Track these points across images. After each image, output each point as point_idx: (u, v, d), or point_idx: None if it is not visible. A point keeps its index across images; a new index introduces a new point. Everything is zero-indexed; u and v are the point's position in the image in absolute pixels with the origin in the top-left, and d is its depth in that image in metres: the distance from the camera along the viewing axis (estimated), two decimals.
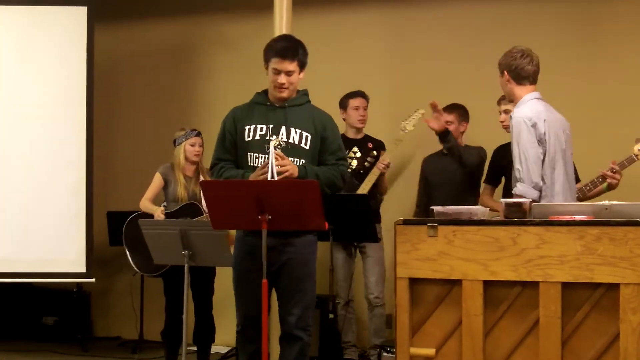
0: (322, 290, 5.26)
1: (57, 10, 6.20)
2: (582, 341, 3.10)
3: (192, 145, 5.35)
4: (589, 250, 3.08)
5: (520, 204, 3.34)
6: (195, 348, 5.43)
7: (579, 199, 4.32)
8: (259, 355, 3.71)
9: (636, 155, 4.37)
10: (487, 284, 3.23)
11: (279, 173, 3.74)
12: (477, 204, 5.00)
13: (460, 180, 5.14)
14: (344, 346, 5.47)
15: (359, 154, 5.56)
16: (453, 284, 3.28)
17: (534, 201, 3.64)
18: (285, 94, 3.95)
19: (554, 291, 3.12)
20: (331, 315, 5.02)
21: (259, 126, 3.96)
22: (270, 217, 3.53)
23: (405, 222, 3.40)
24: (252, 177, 3.83)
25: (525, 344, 3.19)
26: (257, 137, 3.94)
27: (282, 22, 5.15)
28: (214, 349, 5.60)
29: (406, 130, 5.37)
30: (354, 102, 5.57)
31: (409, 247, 3.33)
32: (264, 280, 3.58)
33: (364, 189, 5.35)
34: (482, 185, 5.10)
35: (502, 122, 4.75)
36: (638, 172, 4.64)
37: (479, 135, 5.36)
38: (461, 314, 3.26)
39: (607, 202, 3.23)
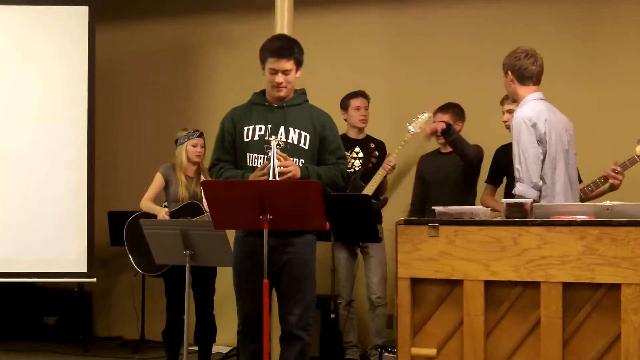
0: (323, 291, 5.27)
1: (58, 10, 6.20)
2: (584, 341, 3.11)
3: (194, 146, 5.36)
4: (590, 251, 3.08)
5: (521, 204, 3.35)
6: (196, 348, 5.44)
7: (581, 200, 4.32)
8: (260, 354, 3.72)
9: (638, 156, 4.37)
10: (488, 284, 3.23)
11: (281, 174, 3.74)
12: (473, 203, 5.01)
13: (456, 179, 5.13)
14: (345, 346, 5.47)
15: (361, 154, 5.57)
16: (454, 284, 3.29)
17: (534, 201, 3.65)
18: (283, 93, 3.96)
19: (555, 291, 3.12)
20: (332, 316, 5.02)
21: (257, 126, 3.96)
22: (271, 217, 3.54)
23: (407, 222, 3.40)
24: (252, 177, 3.83)
25: (527, 344, 3.19)
26: (256, 138, 3.95)
27: (283, 22, 5.15)
28: (215, 348, 5.61)
29: (412, 133, 5.34)
30: (355, 102, 5.58)
31: (410, 247, 3.34)
32: (265, 280, 3.59)
33: (369, 189, 5.36)
34: (484, 185, 5.09)
35: (505, 121, 4.75)
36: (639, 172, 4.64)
37: (479, 135, 5.36)
38: (462, 314, 3.27)
39: (608, 203, 3.23)
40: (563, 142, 3.92)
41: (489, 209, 3.56)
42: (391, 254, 5.28)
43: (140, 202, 5.38)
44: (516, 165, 3.82)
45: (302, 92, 4.08)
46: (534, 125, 3.81)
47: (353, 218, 4.83)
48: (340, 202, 4.65)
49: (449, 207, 3.42)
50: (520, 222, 3.23)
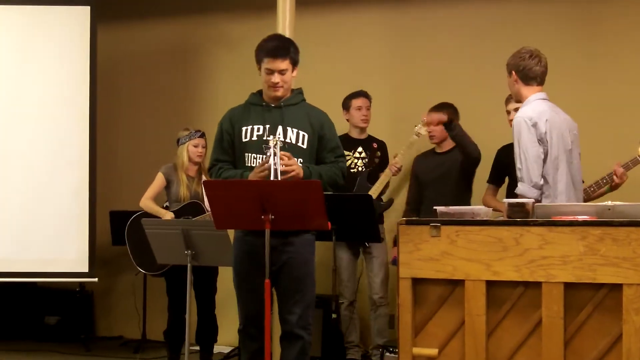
0: (325, 290, 5.28)
1: (59, 10, 6.20)
2: (585, 341, 3.12)
3: (195, 147, 5.37)
4: (591, 251, 3.09)
5: (523, 204, 3.35)
6: (197, 348, 5.44)
7: (584, 200, 4.33)
8: (261, 353, 3.72)
9: None
10: (489, 284, 3.24)
11: (284, 172, 3.76)
12: (469, 203, 5.00)
13: (452, 179, 5.12)
14: (347, 346, 5.48)
15: (363, 154, 5.57)
16: (456, 284, 3.29)
17: (536, 201, 3.66)
18: (279, 93, 3.97)
19: (556, 291, 3.13)
20: (334, 315, 5.02)
21: (255, 127, 3.97)
22: (273, 217, 3.54)
23: (408, 222, 3.41)
24: (252, 175, 3.84)
25: (528, 344, 3.20)
26: (255, 138, 3.96)
27: (284, 22, 5.15)
28: (217, 348, 5.61)
29: (420, 135, 5.31)
30: (356, 102, 5.60)
31: (411, 247, 3.34)
32: (267, 280, 3.60)
33: (376, 190, 5.36)
34: (481, 185, 5.09)
35: (511, 120, 4.74)
36: None
37: (479, 135, 5.35)
38: (464, 314, 3.27)
39: (610, 203, 3.24)
40: (566, 142, 3.92)
41: (491, 209, 3.56)
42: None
43: (140, 201, 5.38)
44: (517, 164, 3.84)
45: (298, 92, 4.09)
46: (534, 125, 3.81)
47: (355, 218, 4.83)
48: (341, 202, 4.65)
49: (451, 207, 3.43)
50: (521, 222, 3.23)
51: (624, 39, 5.60)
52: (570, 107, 4.20)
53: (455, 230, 3.29)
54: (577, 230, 3.12)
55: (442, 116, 4.92)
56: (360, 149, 5.58)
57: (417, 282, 3.35)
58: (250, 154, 3.96)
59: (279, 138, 3.89)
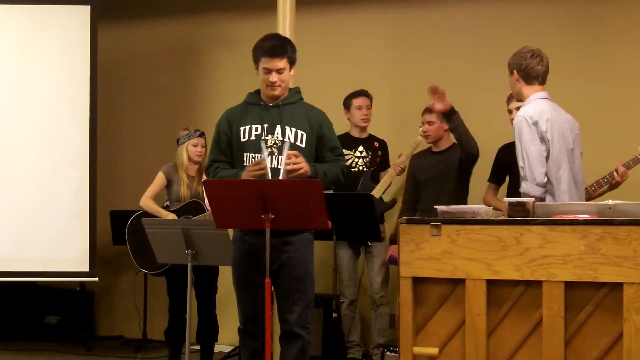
0: (325, 290, 5.28)
1: (60, 9, 6.19)
2: (586, 341, 3.12)
3: (195, 146, 5.37)
4: (592, 250, 3.09)
5: (523, 203, 3.35)
6: (198, 347, 5.44)
7: (585, 200, 4.33)
8: (261, 352, 3.73)
9: None
10: (490, 283, 3.24)
11: (291, 171, 3.77)
12: (466, 202, 5.00)
13: (448, 178, 5.11)
14: (348, 345, 5.48)
15: (364, 153, 5.58)
16: (456, 283, 3.29)
17: (540, 199, 3.66)
18: (277, 92, 3.97)
19: (557, 291, 3.13)
20: (335, 315, 5.02)
21: (254, 126, 3.98)
22: (273, 216, 3.55)
23: (409, 222, 3.41)
24: (245, 174, 3.84)
25: (529, 344, 3.20)
26: (253, 137, 3.96)
27: (285, 21, 5.14)
28: (217, 348, 5.61)
29: (424, 136, 5.31)
30: (357, 102, 5.60)
31: (412, 247, 3.34)
32: (267, 280, 3.60)
33: (379, 190, 5.36)
34: (481, 184, 5.09)
35: (512, 119, 4.74)
36: None
37: (479, 134, 5.33)
38: (464, 313, 3.27)
39: (610, 202, 3.24)
40: (567, 142, 3.92)
41: (491, 208, 3.56)
42: None
43: (140, 200, 5.38)
44: (520, 163, 3.83)
45: (296, 91, 4.10)
46: (535, 124, 3.81)
47: (355, 217, 4.83)
48: (342, 201, 4.65)
49: (451, 206, 3.43)
50: (522, 221, 3.23)
51: (624, 38, 5.60)
52: (570, 107, 4.20)
53: (455, 229, 3.29)
54: (577, 229, 3.12)
55: (448, 103, 4.83)
56: (361, 148, 5.58)
57: (417, 281, 3.35)
58: (248, 154, 3.96)
59: (276, 137, 3.90)
